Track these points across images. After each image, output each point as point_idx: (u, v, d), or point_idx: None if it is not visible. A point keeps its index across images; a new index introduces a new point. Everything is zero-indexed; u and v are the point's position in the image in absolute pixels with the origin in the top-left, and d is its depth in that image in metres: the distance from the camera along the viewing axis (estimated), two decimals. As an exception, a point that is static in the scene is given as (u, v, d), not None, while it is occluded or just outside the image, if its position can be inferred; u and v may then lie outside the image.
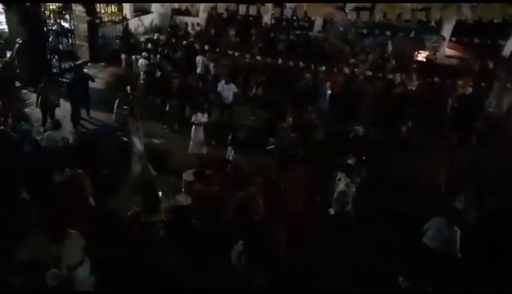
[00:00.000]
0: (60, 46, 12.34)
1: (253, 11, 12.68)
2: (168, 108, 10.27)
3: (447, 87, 11.88)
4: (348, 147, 8.20)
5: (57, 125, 7.60)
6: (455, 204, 6.39)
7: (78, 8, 13.65)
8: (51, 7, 11.82)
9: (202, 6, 16.82)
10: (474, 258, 5.66)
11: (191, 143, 8.49)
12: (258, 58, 13.98)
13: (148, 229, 5.56)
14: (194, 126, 8.44)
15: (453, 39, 16.99)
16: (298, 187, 5.16)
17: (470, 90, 11.14)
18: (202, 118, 8.52)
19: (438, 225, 5.42)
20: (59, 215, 4.80)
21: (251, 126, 10.43)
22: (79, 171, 5.82)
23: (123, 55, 12.91)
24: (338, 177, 6.92)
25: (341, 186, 6.77)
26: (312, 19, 16.80)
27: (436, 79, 12.84)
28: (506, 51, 15.85)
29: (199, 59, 12.62)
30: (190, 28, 17.81)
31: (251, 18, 17.15)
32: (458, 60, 15.67)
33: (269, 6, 12.77)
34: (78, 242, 4.54)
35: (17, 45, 11.01)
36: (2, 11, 12.18)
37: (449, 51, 16.94)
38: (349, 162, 7.33)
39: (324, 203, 7.02)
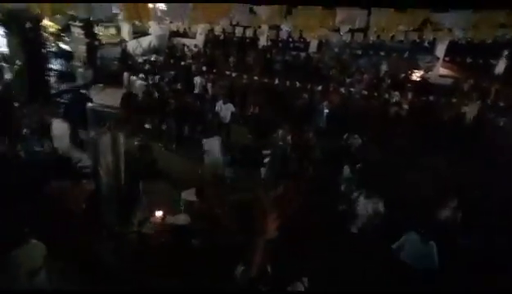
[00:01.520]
0: (59, 68, 12.47)
1: (249, 32, 12.90)
2: (164, 127, 10.28)
3: (442, 106, 12.06)
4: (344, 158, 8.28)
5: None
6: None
7: (76, 30, 13.85)
8: (50, 30, 12.00)
9: (199, 28, 17.12)
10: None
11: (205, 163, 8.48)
12: (255, 78, 14.17)
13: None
14: (206, 151, 8.44)
15: (446, 59, 17.37)
16: (294, 201, 5.14)
17: (465, 108, 11.33)
18: (214, 141, 8.51)
19: (412, 240, 5.42)
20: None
21: (248, 145, 10.47)
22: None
23: (125, 75, 13.00)
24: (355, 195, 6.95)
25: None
26: (308, 40, 17.17)
27: (431, 98, 13.06)
28: (498, 70, 16.21)
29: (196, 79, 12.79)
30: (187, 50, 18.09)
31: (247, 40, 17.49)
32: (452, 80, 15.98)
33: (265, 28, 13.05)
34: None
35: (16, 66, 11.11)
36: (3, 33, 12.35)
37: (443, 71, 17.27)
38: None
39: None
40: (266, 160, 8.70)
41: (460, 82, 15.39)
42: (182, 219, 6.34)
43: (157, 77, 13.29)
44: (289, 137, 8.86)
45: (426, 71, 16.71)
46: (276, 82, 13.91)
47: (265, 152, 8.79)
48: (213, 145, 8.48)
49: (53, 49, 12.32)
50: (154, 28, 17.75)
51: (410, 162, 9.35)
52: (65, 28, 13.12)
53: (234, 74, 14.67)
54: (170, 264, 5.59)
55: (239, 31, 12.20)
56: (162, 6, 6.68)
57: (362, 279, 5.79)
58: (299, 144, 8.86)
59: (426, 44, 16.34)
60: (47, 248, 4.39)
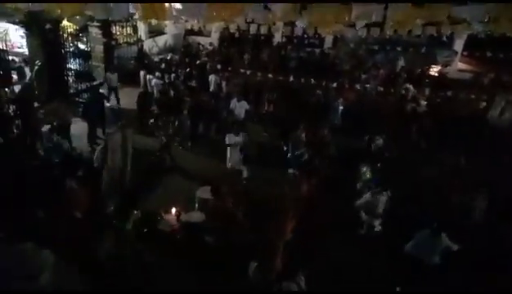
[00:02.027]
0: (77, 68, 12.70)
1: (264, 30, 12.89)
2: (177, 124, 10.33)
3: (461, 101, 11.81)
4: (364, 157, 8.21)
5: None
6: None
7: (94, 30, 14.09)
8: (68, 30, 12.23)
9: (214, 27, 17.20)
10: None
11: (228, 161, 8.52)
12: (270, 76, 14.14)
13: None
14: (228, 148, 8.45)
15: (465, 53, 16.98)
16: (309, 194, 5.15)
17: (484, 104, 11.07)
18: (235, 138, 8.50)
19: (422, 236, 5.50)
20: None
21: (263, 142, 10.48)
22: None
23: (141, 74, 13.16)
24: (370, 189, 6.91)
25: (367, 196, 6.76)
26: (323, 36, 17.03)
27: (449, 93, 12.80)
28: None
29: (211, 77, 12.87)
30: (202, 48, 18.19)
31: (262, 37, 17.47)
32: (471, 74, 15.62)
33: (280, 24, 12.99)
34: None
35: (36, 67, 11.39)
36: (24, 34, 12.67)
37: (462, 65, 16.90)
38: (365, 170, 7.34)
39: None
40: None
41: (479, 76, 15.04)
42: (197, 216, 6.42)
43: (173, 75, 13.40)
44: (303, 135, 8.84)
45: (444, 66, 16.37)
46: (291, 79, 13.85)
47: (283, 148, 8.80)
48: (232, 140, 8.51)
49: (71, 49, 12.52)
50: (169, 27, 17.90)
51: (428, 158, 9.21)
52: (83, 29, 13.34)
53: (248, 72, 14.68)
54: (184, 260, 5.68)
55: (253, 28, 12.18)
56: (178, 5, 6.72)
57: (379, 277, 5.77)
58: (314, 142, 8.83)
59: (444, 38, 16.00)
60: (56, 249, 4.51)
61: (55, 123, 8.91)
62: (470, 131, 10.22)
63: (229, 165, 8.37)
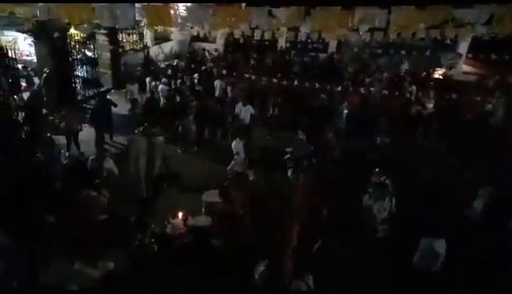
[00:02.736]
0: (85, 75, 12.88)
1: (268, 35, 13.00)
2: (180, 129, 10.41)
3: (466, 103, 11.81)
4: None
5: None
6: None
7: (101, 38, 14.31)
8: (76, 38, 12.44)
9: (219, 33, 17.39)
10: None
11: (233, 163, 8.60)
12: (275, 80, 14.24)
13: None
14: (235, 151, 8.60)
15: (470, 56, 16.97)
16: (313, 197, 5.20)
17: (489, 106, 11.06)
18: (240, 144, 8.65)
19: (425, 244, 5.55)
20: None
21: (268, 146, 10.54)
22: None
23: (147, 80, 13.31)
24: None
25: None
26: (326, 41, 17.13)
27: (454, 96, 12.81)
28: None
29: (216, 83, 12.99)
30: (207, 54, 18.37)
31: (266, 42, 17.62)
32: (476, 77, 15.60)
33: (284, 30, 13.12)
34: None
35: (44, 74, 11.58)
36: (32, 43, 12.90)
37: (466, 68, 16.88)
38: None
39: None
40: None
41: (484, 78, 15.02)
42: (203, 220, 6.49)
43: (179, 81, 13.56)
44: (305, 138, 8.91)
45: (449, 68, 16.38)
46: (296, 83, 13.93)
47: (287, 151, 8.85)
48: (238, 147, 8.59)
49: (79, 56, 12.73)
50: (175, 34, 18.13)
51: (432, 161, 9.22)
52: (91, 36, 13.56)
53: (253, 77, 14.80)
54: (191, 263, 5.74)
55: (258, 34, 12.30)
56: (183, 12, 6.85)
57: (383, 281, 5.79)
58: (319, 146, 8.88)
59: (448, 41, 16.01)
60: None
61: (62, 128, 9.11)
62: (475, 134, 10.20)
63: (236, 168, 8.44)
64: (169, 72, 14.73)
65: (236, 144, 8.73)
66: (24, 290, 4.80)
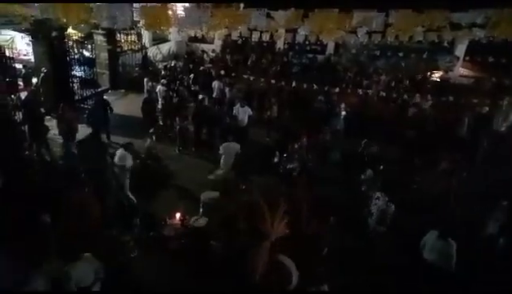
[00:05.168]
0: (82, 75, 12.84)
1: (266, 37, 13.01)
2: (177, 130, 10.38)
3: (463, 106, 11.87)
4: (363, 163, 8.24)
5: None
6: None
7: (99, 38, 14.29)
8: (74, 38, 12.41)
9: (217, 34, 17.38)
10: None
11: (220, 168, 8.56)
12: (273, 81, 14.26)
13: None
14: (223, 156, 8.51)
15: (467, 58, 17.04)
16: (305, 205, 5.18)
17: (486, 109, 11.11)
18: (233, 146, 8.54)
19: (434, 238, 5.46)
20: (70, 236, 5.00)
21: (265, 148, 10.55)
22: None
23: (145, 81, 13.25)
24: (376, 196, 6.92)
25: (380, 204, 6.75)
26: (325, 43, 17.15)
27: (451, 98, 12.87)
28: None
29: (214, 84, 13.00)
30: (205, 55, 18.36)
31: (265, 44, 17.61)
32: (473, 80, 15.68)
33: (282, 31, 13.14)
34: (91, 265, 4.56)
35: (42, 74, 11.54)
36: (30, 42, 12.86)
37: (463, 71, 16.96)
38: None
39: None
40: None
41: (481, 81, 15.10)
42: (201, 221, 6.50)
43: (177, 82, 13.54)
44: (305, 139, 8.91)
45: (446, 71, 16.46)
46: (293, 84, 13.96)
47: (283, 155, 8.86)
48: (231, 149, 8.59)
49: (77, 56, 12.69)
50: (173, 34, 18.08)
51: (429, 162, 9.24)
52: (88, 36, 13.54)
53: (251, 78, 14.81)
54: (187, 264, 5.74)
55: (256, 35, 12.30)
56: (181, 13, 6.86)
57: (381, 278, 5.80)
58: (316, 146, 8.91)
59: (445, 44, 16.07)
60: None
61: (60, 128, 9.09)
62: (472, 137, 10.26)
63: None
64: (167, 72, 14.72)
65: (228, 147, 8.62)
66: (24, 290, 4.79)
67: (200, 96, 11.61)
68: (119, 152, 7.33)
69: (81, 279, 4.41)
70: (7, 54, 9.89)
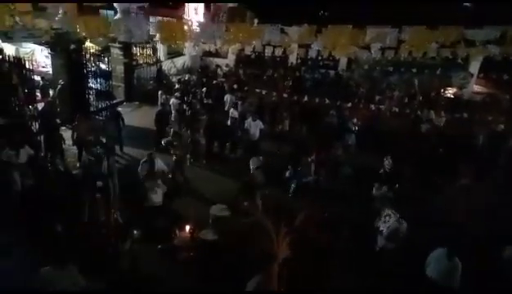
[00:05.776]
0: (98, 87, 13.10)
1: (278, 51, 13.14)
2: (189, 141, 10.28)
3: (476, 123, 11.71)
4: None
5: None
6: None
7: (115, 51, 14.62)
8: (91, 51, 12.72)
9: (231, 49, 17.64)
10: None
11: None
12: (285, 95, 14.34)
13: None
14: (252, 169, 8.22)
15: (481, 75, 16.90)
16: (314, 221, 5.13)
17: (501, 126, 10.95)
18: (258, 161, 8.33)
19: (438, 257, 5.33)
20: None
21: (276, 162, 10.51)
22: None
23: (159, 94, 13.42)
24: (386, 213, 6.77)
25: (392, 221, 6.57)
26: (337, 58, 17.23)
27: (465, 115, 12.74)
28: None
29: (227, 97, 13.12)
30: (219, 70, 18.61)
31: (278, 58, 17.78)
32: (487, 96, 15.52)
33: (295, 46, 13.28)
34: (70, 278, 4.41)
35: (59, 86, 11.83)
36: (48, 55, 13.22)
37: (477, 88, 16.81)
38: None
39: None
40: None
41: (495, 98, 14.92)
42: (210, 234, 6.48)
43: (190, 95, 13.71)
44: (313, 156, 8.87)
45: (460, 88, 16.32)
46: (306, 99, 14.00)
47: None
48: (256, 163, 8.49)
49: (93, 69, 12.98)
50: (188, 48, 18.43)
51: (443, 181, 9.10)
52: (105, 49, 13.86)
53: (264, 92, 14.92)
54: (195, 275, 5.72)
55: (269, 50, 12.44)
56: (196, 28, 7.01)
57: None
58: (327, 162, 8.85)
59: (459, 60, 15.99)
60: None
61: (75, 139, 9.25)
62: (486, 154, 10.10)
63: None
64: (181, 86, 14.93)
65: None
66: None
67: (213, 110, 11.73)
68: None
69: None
70: (27, 66, 10.20)
